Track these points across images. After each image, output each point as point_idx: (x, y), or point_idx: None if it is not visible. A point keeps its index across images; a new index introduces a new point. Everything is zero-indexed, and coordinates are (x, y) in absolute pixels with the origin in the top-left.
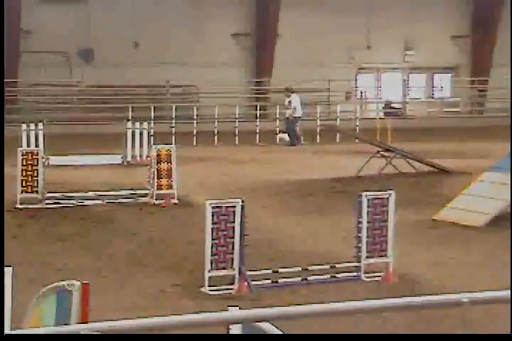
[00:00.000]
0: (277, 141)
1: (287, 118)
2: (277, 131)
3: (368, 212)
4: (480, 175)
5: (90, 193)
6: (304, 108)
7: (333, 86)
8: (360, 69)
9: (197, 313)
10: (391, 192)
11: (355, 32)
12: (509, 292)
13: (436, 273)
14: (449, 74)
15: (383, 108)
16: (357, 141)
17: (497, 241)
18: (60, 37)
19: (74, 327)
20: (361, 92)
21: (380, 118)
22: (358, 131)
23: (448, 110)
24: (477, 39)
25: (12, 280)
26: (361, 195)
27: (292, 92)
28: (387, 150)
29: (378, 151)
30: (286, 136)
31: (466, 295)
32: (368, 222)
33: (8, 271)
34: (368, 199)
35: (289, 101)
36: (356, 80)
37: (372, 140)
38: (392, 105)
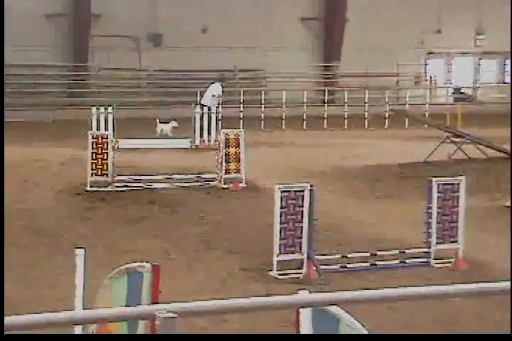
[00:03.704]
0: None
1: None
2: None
3: (438, 197)
4: None
5: (159, 176)
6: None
7: (402, 70)
8: (430, 53)
9: (266, 296)
10: (461, 178)
11: (425, 16)
12: None
13: (507, 259)
14: None
15: (453, 93)
16: (426, 126)
17: None
18: (129, 21)
19: (147, 308)
20: (431, 77)
21: (449, 104)
22: (427, 116)
23: None
24: None
25: (84, 262)
26: (431, 181)
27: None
28: (457, 135)
29: (448, 137)
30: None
31: None
32: (437, 208)
33: (80, 253)
34: (438, 185)
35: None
36: (426, 65)
37: (441, 125)
38: (463, 90)
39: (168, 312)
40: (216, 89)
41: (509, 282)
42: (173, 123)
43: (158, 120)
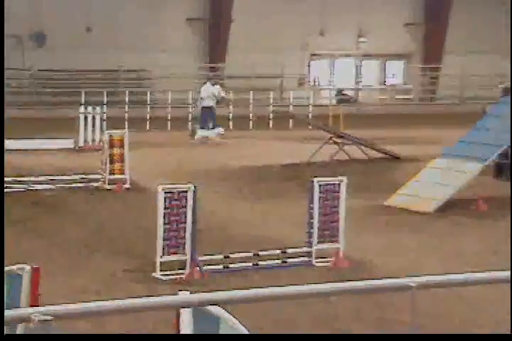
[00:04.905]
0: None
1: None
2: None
3: (319, 197)
4: (430, 161)
5: (41, 178)
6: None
7: (286, 72)
8: (313, 55)
9: (146, 297)
10: (342, 178)
11: (308, 18)
12: (454, 276)
13: (386, 258)
14: (401, 62)
15: (336, 95)
16: (310, 127)
17: (446, 226)
18: (12, 20)
19: (23, 311)
20: (314, 79)
21: (332, 105)
22: (310, 117)
23: (400, 97)
24: (429, 27)
25: None
26: (313, 181)
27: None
28: (339, 136)
29: (330, 138)
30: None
31: (413, 280)
32: (319, 208)
33: None
34: (320, 185)
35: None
36: (309, 66)
37: (324, 126)
38: (345, 92)
39: (43, 314)
40: (206, 90)
41: (381, 280)
42: (220, 130)
43: (195, 126)
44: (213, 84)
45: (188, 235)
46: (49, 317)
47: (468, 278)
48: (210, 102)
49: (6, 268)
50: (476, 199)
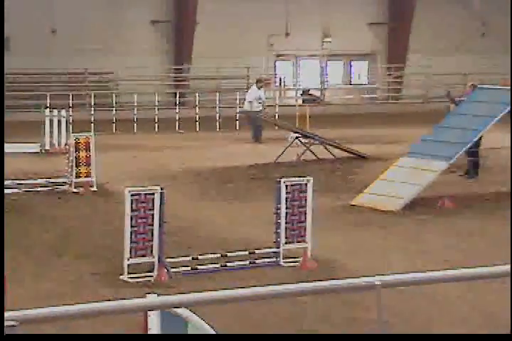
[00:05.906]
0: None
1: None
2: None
3: (286, 198)
4: (396, 160)
5: (7, 182)
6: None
7: (252, 73)
8: (278, 56)
9: (113, 300)
10: (309, 178)
11: (273, 19)
12: (419, 274)
13: (354, 257)
14: (366, 61)
15: (301, 95)
16: (276, 127)
17: (412, 225)
18: None
19: None
20: (280, 79)
21: (298, 105)
22: (277, 117)
23: (365, 96)
24: (393, 26)
25: None
26: (279, 181)
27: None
28: (305, 136)
29: (297, 138)
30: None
31: (379, 278)
32: (286, 208)
33: None
34: (286, 186)
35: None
36: (275, 67)
37: (291, 126)
38: (311, 92)
39: (8, 320)
40: (252, 94)
41: (346, 280)
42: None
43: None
44: (259, 88)
45: (155, 237)
46: (15, 323)
47: (431, 276)
48: (257, 106)
49: None
50: (442, 198)
